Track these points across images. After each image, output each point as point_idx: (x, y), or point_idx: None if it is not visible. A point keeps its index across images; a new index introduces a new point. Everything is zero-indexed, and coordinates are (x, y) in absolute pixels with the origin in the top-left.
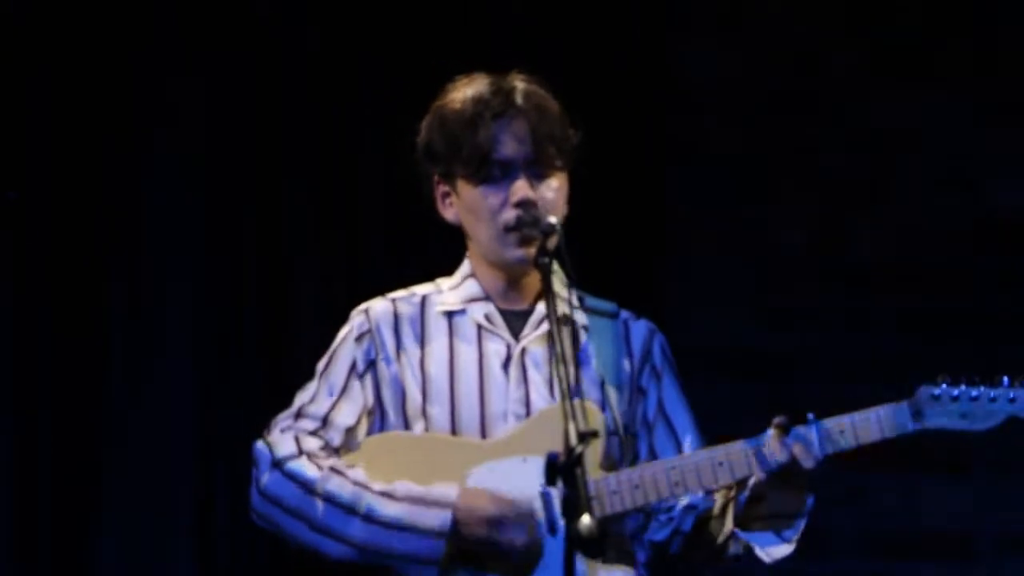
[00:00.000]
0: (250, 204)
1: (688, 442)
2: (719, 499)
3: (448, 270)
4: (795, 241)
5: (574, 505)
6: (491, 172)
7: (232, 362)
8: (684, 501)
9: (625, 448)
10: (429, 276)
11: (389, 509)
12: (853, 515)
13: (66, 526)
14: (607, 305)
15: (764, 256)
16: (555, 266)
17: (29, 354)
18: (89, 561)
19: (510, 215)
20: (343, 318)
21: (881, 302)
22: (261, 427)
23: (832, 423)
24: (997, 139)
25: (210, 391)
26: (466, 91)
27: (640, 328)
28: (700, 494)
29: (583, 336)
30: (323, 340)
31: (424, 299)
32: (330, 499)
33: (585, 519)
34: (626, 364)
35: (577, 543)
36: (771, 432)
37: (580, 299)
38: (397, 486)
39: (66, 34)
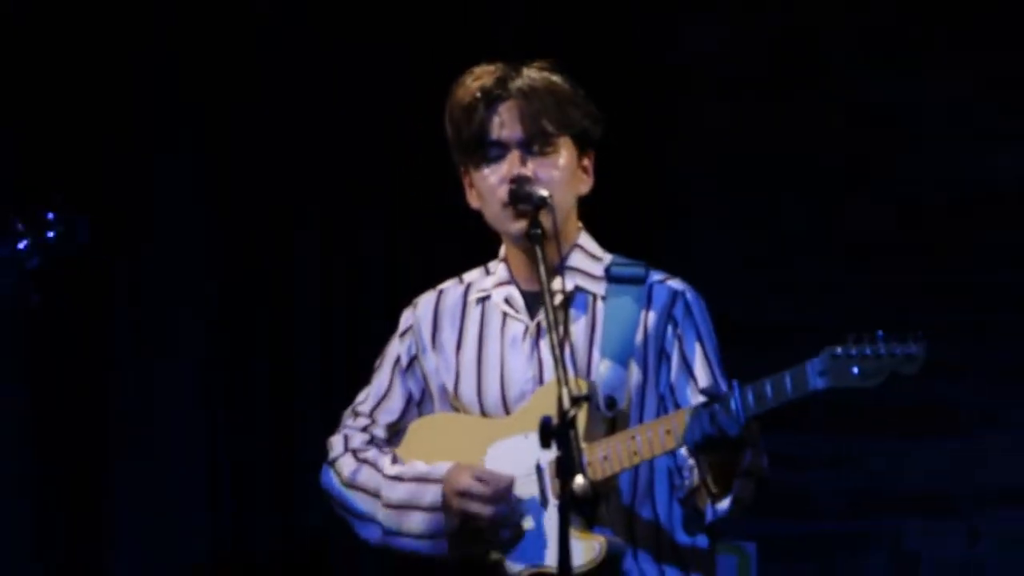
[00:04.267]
0: (258, 205)
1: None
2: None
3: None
4: (794, 215)
5: (568, 466)
6: (488, 153)
7: (240, 358)
8: (692, 461)
9: (616, 421)
10: (434, 281)
11: (399, 491)
12: (839, 476)
13: (82, 513)
14: (634, 271)
15: (764, 230)
16: (582, 239)
17: (42, 349)
18: (104, 536)
19: (504, 191)
20: (344, 318)
21: (879, 274)
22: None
23: (749, 388)
24: (990, 115)
25: (217, 384)
26: (471, 83)
27: (663, 291)
28: (658, 459)
29: (599, 306)
30: (323, 317)
31: (468, 286)
32: (362, 488)
33: (579, 479)
34: (639, 333)
35: (572, 503)
36: (700, 400)
37: (607, 268)
38: (407, 468)
39: (75, 36)
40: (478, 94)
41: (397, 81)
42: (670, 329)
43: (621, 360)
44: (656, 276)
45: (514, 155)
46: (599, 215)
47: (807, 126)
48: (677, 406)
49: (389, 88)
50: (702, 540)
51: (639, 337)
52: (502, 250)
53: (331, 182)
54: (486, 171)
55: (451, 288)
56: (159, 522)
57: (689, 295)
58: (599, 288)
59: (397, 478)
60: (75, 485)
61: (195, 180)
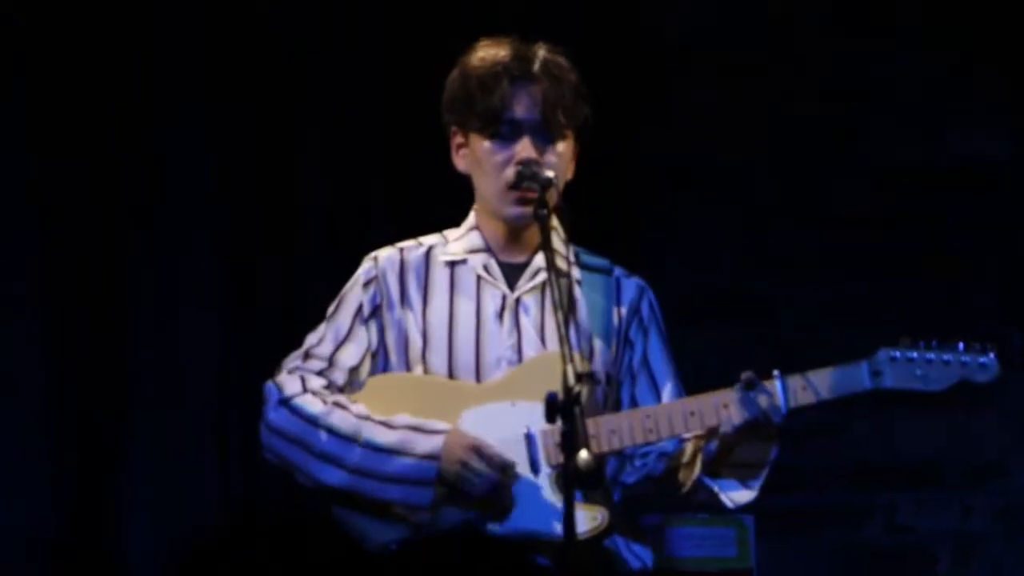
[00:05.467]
0: (265, 156)
1: (667, 391)
2: (689, 447)
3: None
4: (769, 187)
5: (573, 441)
6: (500, 130)
7: (249, 307)
8: (657, 448)
9: (608, 397)
10: (433, 229)
11: (387, 436)
12: (832, 448)
13: (94, 463)
14: (601, 262)
15: (741, 203)
16: (555, 223)
17: (60, 306)
18: (117, 495)
19: (511, 172)
20: (350, 268)
21: (852, 246)
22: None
23: (795, 380)
24: (960, 91)
25: (229, 334)
26: (490, 52)
27: (630, 285)
28: (672, 441)
29: (576, 290)
30: (331, 290)
31: (430, 249)
32: (332, 430)
33: (583, 454)
34: (615, 318)
35: (575, 477)
36: (740, 387)
37: (576, 255)
38: (396, 417)
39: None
40: (500, 68)
41: (394, 50)
42: (635, 321)
43: (607, 341)
44: (620, 270)
45: (526, 138)
46: (587, 195)
47: (786, 102)
48: (633, 397)
49: (383, 53)
50: (641, 518)
51: (615, 322)
52: (471, 218)
53: (337, 139)
54: (491, 146)
55: (411, 248)
56: (171, 480)
57: (651, 294)
58: (575, 272)
59: (386, 424)
60: (89, 439)
61: (204, 127)
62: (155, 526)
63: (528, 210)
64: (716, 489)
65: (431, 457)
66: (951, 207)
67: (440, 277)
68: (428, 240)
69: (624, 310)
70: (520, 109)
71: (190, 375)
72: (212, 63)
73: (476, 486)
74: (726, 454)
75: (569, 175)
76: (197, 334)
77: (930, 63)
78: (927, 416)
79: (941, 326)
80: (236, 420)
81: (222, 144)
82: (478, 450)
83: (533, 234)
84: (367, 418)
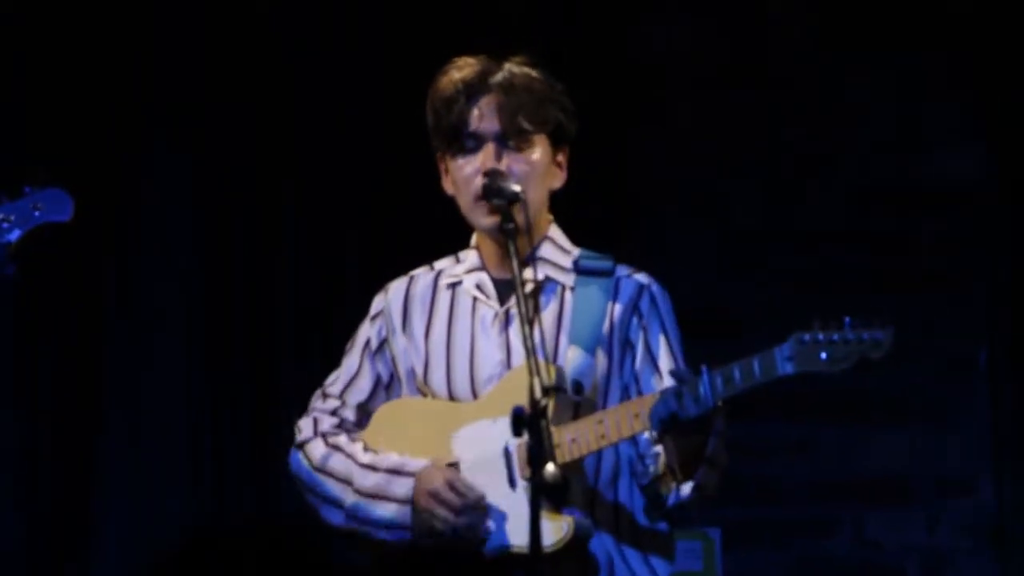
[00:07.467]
0: (239, 196)
1: (666, 382)
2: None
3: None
4: (749, 205)
5: (539, 454)
6: (465, 144)
7: (221, 344)
8: (655, 449)
9: (582, 406)
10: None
11: (369, 480)
12: (799, 462)
13: (66, 480)
14: (603, 264)
15: (720, 219)
16: (553, 231)
17: (33, 326)
18: (88, 512)
19: (478, 183)
20: (322, 308)
21: (829, 263)
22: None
23: (718, 372)
24: (938, 111)
25: (201, 351)
26: (452, 74)
27: (631, 284)
28: (623, 442)
29: (567, 296)
30: (304, 326)
31: (439, 273)
32: (331, 474)
33: (550, 467)
34: (606, 323)
35: (542, 489)
36: (671, 383)
37: (576, 260)
38: (380, 458)
39: (67, 33)
40: (460, 85)
41: (379, 73)
42: (635, 320)
43: (589, 348)
44: (623, 270)
45: (489, 148)
46: (570, 208)
47: (767, 121)
48: (640, 395)
49: (370, 79)
50: (661, 525)
51: (606, 327)
52: (473, 238)
53: (310, 179)
54: (461, 161)
55: (422, 274)
56: (142, 496)
57: (655, 288)
58: (568, 279)
59: (370, 467)
60: (61, 456)
61: (181, 170)
62: (125, 544)
63: (498, 220)
64: (672, 487)
65: (406, 501)
66: (927, 225)
67: (442, 300)
68: (440, 264)
69: (620, 311)
70: (477, 121)
71: (163, 393)
72: (191, 111)
73: (446, 520)
74: (676, 452)
75: (557, 183)
76: (169, 354)
77: (907, 83)
78: (895, 431)
79: (916, 343)
80: (209, 438)
81: (200, 169)
82: (437, 495)
83: (523, 247)
84: (356, 461)
